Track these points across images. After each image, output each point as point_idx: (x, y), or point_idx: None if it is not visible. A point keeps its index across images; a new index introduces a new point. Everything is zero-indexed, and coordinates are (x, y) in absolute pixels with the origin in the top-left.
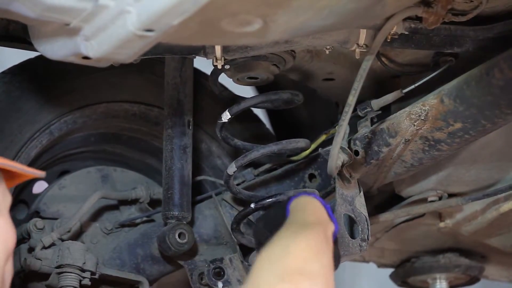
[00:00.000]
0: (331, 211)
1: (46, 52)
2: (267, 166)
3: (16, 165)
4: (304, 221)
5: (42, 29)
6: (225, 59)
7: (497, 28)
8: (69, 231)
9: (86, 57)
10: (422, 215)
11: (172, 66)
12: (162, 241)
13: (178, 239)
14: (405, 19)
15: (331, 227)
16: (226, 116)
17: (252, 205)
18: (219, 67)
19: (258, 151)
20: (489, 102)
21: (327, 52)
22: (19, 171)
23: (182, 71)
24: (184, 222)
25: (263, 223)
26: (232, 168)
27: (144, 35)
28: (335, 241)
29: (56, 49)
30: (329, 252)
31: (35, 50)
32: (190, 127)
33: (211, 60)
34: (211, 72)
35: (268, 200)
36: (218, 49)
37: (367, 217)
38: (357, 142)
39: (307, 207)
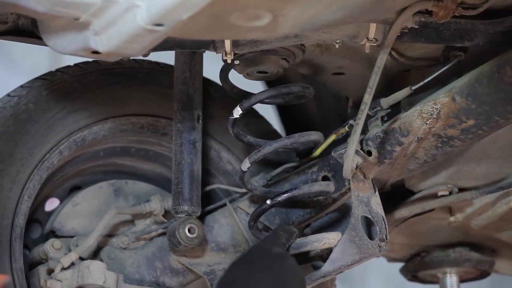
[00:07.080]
0: None
1: (56, 47)
2: (279, 170)
3: None
4: None
5: (51, 23)
6: (234, 54)
7: (508, 22)
8: (86, 250)
9: (95, 52)
10: (432, 209)
11: (181, 60)
12: (171, 235)
13: (188, 234)
14: (415, 13)
15: None
16: (237, 112)
17: (268, 202)
18: (229, 61)
19: (271, 146)
20: (501, 99)
21: (337, 46)
22: None
23: (191, 65)
24: (194, 217)
25: None
26: (246, 164)
27: (153, 29)
28: None
29: (65, 44)
30: None
31: (45, 45)
32: (200, 122)
33: (220, 54)
34: (221, 69)
35: (283, 196)
36: (227, 44)
37: (384, 217)
38: (369, 142)
39: None
